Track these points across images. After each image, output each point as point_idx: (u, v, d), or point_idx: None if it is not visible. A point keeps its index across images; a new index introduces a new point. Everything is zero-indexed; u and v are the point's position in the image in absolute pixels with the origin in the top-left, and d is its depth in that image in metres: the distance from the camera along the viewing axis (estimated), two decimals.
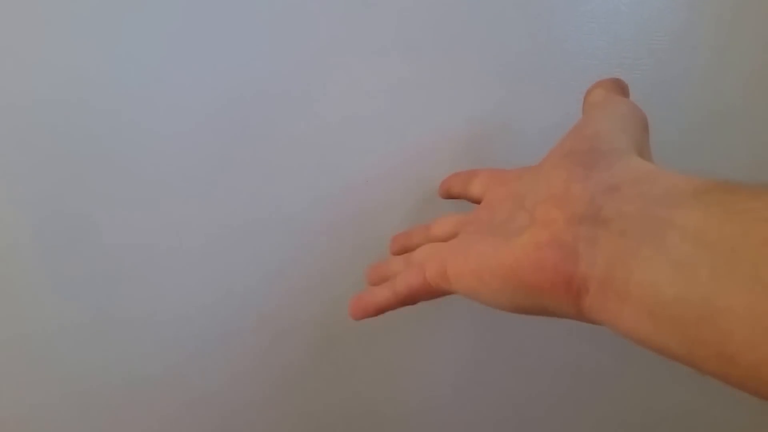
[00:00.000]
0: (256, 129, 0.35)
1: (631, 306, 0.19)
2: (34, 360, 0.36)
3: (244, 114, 0.34)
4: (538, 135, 0.36)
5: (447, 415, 0.44)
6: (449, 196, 0.35)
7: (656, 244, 0.18)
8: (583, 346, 0.44)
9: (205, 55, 0.33)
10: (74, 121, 0.33)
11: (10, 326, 0.35)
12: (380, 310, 0.29)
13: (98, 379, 0.37)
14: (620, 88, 0.29)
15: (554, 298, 0.21)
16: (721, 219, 0.17)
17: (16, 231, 0.34)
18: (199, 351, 0.38)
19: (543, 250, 0.21)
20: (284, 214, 0.37)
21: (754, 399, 0.17)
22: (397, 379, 0.43)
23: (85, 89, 0.32)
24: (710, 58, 0.39)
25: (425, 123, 0.37)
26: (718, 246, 0.17)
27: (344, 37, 0.34)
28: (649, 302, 0.18)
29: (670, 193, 0.19)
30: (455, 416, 0.44)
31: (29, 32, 0.31)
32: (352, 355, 0.41)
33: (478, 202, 0.32)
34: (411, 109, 0.36)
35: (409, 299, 0.28)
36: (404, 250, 0.34)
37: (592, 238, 0.20)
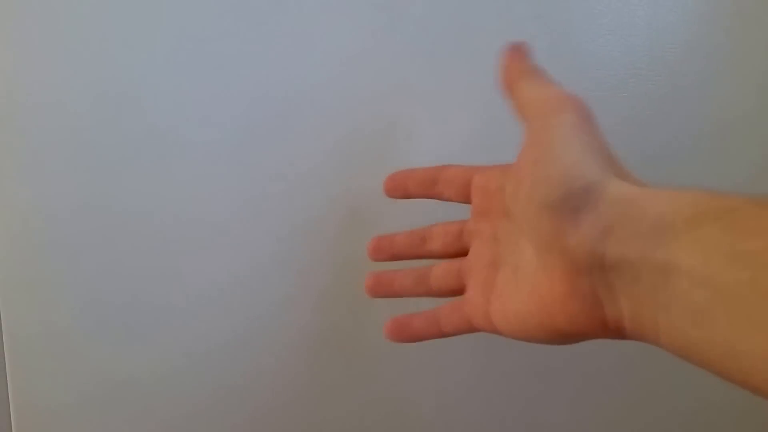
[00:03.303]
0: (273, 134, 0.35)
1: (664, 341, 0.20)
2: (43, 359, 0.35)
3: (266, 117, 0.35)
4: None
5: (456, 417, 0.44)
6: (407, 196, 0.32)
7: (669, 291, 0.19)
8: (594, 345, 0.44)
9: (216, 64, 0.34)
10: (84, 124, 0.33)
11: (27, 323, 0.35)
12: (420, 340, 0.31)
13: (104, 379, 0.37)
14: (536, 71, 0.26)
15: (598, 336, 0.23)
16: (724, 263, 0.18)
17: (35, 228, 0.34)
18: (203, 354, 0.37)
19: (568, 304, 0.22)
20: (296, 220, 0.37)
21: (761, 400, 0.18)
22: (407, 379, 0.43)
23: (100, 93, 0.33)
24: (722, 68, 0.40)
25: (441, 130, 0.37)
26: (728, 293, 0.17)
27: (363, 43, 0.35)
28: (678, 342, 0.19)
29: (662, 229, 0.19)
30: (464, 417, 0.45)
31: (64, 37, 0.32)
32: (359, 359, 0.41)
33: (451, 200, 0.31)
34: (428, 115, 0.37)
35: (452, 335, 0.30)
36: (393, 260, 0.33)
37: (607, 285, 0.21)
